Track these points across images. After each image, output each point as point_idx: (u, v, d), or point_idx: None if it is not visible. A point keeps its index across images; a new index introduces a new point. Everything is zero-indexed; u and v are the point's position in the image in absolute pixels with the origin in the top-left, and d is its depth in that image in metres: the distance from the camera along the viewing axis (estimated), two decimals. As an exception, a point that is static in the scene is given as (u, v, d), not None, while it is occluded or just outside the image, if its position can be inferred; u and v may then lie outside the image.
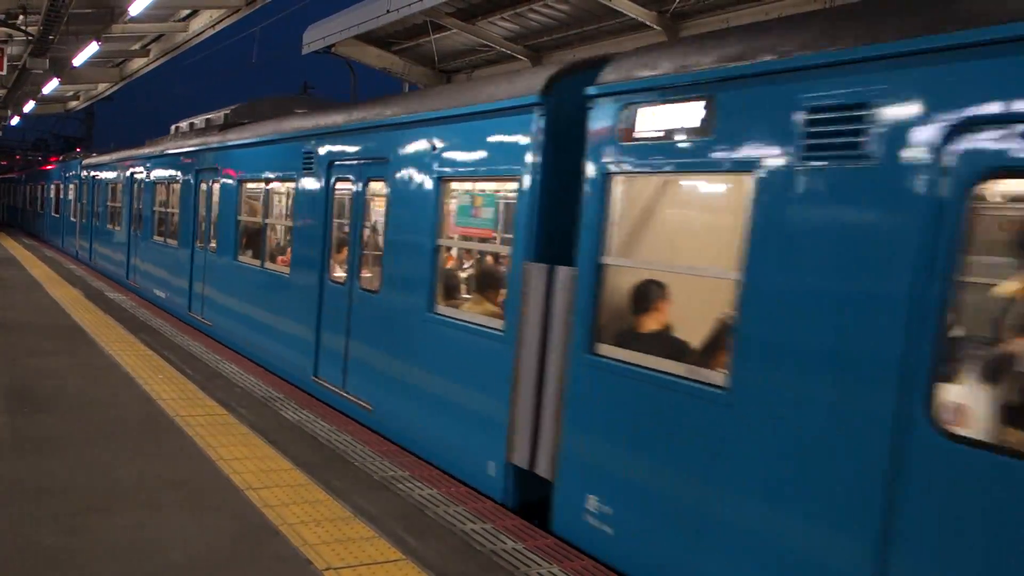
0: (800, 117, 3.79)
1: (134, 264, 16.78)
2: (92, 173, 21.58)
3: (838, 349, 3.57)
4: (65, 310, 12.74)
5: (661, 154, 4.58)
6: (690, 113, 4.37)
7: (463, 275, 7.72)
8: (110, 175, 19.32)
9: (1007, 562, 2.97)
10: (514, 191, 5.74)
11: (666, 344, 4.80)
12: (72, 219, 24.77)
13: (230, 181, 11.32)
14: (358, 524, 5.02)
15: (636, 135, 4.72)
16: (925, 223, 3.27)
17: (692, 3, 9.76)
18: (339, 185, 8.37)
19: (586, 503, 4.95)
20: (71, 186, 25.18)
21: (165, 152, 14.74)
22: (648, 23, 10.29)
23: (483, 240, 6.87)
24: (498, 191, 6.58)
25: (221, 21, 15.76)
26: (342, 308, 8.01)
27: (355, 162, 7.98)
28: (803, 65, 3.81)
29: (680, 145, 4.45)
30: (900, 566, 3.30)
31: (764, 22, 5.34)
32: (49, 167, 32.48)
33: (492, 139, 6.02)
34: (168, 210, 14.47)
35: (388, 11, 11.35)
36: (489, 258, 7.48)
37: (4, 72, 17.84)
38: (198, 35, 17.17)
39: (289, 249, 9.61)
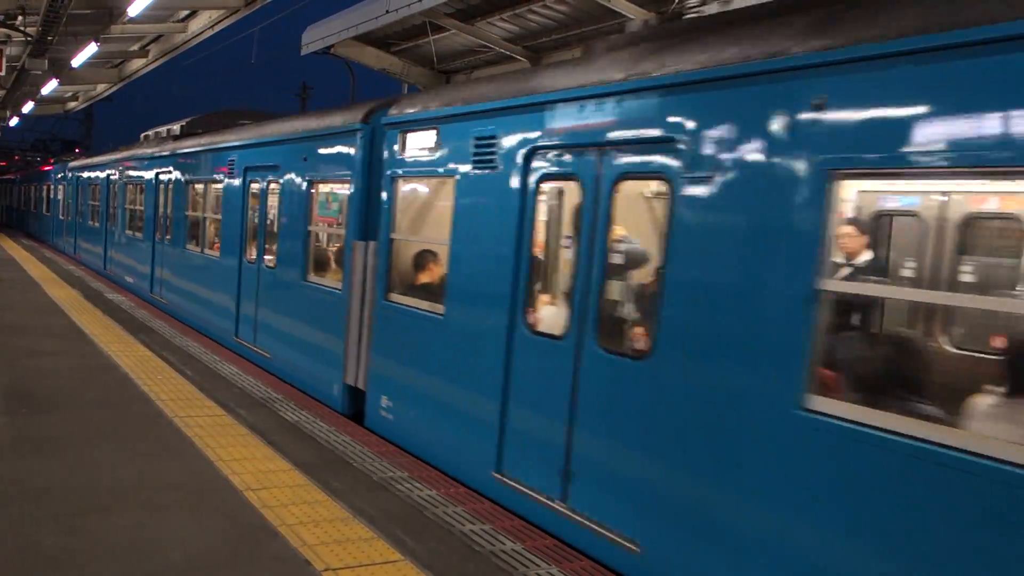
0: (472, 143, 6.09)
1: (110, 256, 19.10)
2: (76, 175, 23.93)
3: (488, 290, 5.84)
4: (64, 310, 12.80)
5: (418, 164, 6.89)
6: (428, 138, 6.69)
7: (330, 253, 10.03)
8: (90, 176, 21.67)
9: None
10: (348, 189, 8.05)
11: (427, 292, 7.11)
12: (61, 217, 27.18)
13: (181, 182, 13.66)
14: (357, 525, 5.02)
15: (407, 152, 7.03)
16: (518, 207, 5.59)
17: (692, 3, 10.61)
18: (252, 186, 10.70)
19: (381, 402, 7.28)
20: (60, 187, 27.56)
21: (134, 156, 17.08)
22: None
23: (332, 226, 9.21)
24: (339, 190, 8.89)
25: (220, 22, 15.63)
26: (253, 282, 10.34)
27: (261, 166, 10.30)
28: (471, 112, 6.13)
29: (425, 158, 6.76)
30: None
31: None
32: (43, 169, 34.39)
33: (335, 152, 8.34)
34: (137, 208, 16.78)
35: (387, 11, 11.24)
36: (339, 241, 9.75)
37: (3, 73, 17.71)
38: (197, 36, 17.08)
39: (218, 238, 11.97)
